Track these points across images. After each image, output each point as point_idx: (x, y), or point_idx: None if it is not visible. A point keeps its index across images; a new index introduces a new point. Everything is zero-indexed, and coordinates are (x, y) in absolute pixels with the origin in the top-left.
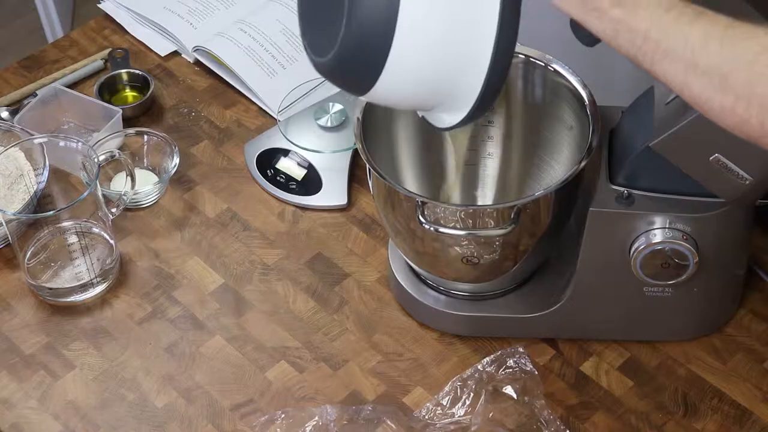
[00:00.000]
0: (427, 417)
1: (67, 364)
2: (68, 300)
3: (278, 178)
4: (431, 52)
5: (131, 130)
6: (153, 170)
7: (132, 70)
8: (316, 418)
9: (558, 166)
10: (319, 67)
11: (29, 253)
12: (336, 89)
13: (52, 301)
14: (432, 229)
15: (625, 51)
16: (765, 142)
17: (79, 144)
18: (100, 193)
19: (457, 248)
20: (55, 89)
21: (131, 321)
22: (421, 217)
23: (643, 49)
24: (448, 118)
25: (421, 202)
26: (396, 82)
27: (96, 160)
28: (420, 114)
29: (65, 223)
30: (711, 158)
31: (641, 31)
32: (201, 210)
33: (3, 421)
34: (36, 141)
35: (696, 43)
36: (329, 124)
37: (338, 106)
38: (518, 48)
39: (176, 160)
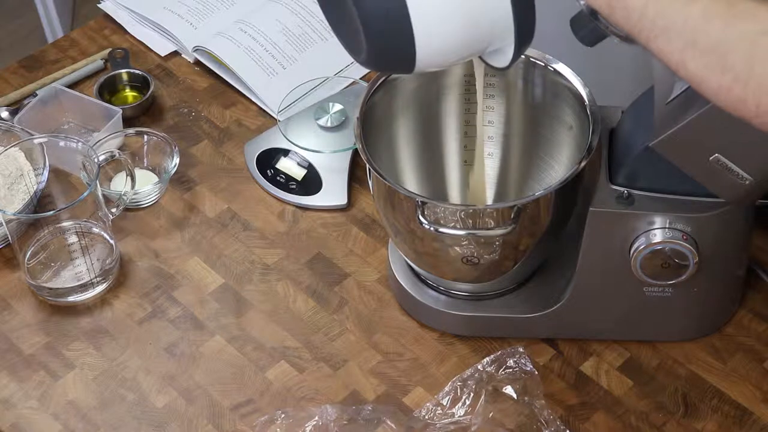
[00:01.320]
0: (427, 417)
1: (67, 364)
2: (68, 300)
3: (278, 178)
4: (450, 8)
5: (131, 130)
6: (153, 170)
7: (132, 70)
8: (316, 418)
9: (558, 166)
10: (358, 62)
11: (29, 253)
12: (336, 89)
13: (52, 301)
14: (432, 229)
15: (621, 27)
16: (758, 122)
17: (79, 144)
18: (100, 193)
19: (457, 248)
20: (55, 89)
21: (131, 321)
22: (421, 217)
23: (639, 26)
24: (505, 53)
25: (421, 202)
26: (434, 50)
27: (96, 160)
28: (481, 60)
29: (65, 223)
30: (711, 158)
31: (637, 8)
32: (201, 210)
33: (3, 421)
34: (36, 141)
35: (696, 22)
36: (329, 124)
37: (338, 106)
38: None
39: (176, 160)
